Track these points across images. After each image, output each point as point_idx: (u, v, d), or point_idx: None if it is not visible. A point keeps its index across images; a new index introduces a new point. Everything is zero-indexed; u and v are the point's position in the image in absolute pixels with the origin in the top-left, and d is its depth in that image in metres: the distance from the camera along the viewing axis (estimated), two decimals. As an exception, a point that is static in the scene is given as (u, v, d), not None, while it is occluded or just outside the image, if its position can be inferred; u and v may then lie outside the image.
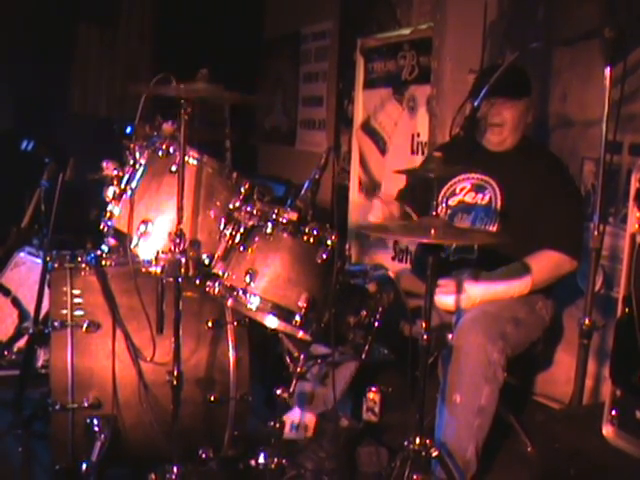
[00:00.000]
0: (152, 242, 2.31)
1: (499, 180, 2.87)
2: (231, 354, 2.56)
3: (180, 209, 2.17)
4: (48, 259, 2.64)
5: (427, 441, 2.18)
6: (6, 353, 3.56)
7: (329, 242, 2.22)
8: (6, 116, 5.34)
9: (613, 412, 2.19)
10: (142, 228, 2.32)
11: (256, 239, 2.25)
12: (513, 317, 2.67)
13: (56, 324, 2.43)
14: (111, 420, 2.41)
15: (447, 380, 2.56)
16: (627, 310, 2.17)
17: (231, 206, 2.34)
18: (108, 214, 2.42)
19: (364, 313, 2.37)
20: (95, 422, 2.39)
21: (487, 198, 2.87)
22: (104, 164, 2.48)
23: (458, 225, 2.82)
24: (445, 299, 2.68)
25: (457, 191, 2.96)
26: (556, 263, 2.75)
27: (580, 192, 3.09)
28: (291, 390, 2.39)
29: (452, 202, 2.95)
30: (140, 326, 2.44)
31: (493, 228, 2.84)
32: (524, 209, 2.80)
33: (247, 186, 2.38)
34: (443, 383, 2.59)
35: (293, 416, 2.88)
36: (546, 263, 2.74)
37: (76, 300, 2.49)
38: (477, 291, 2.69)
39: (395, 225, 2.73)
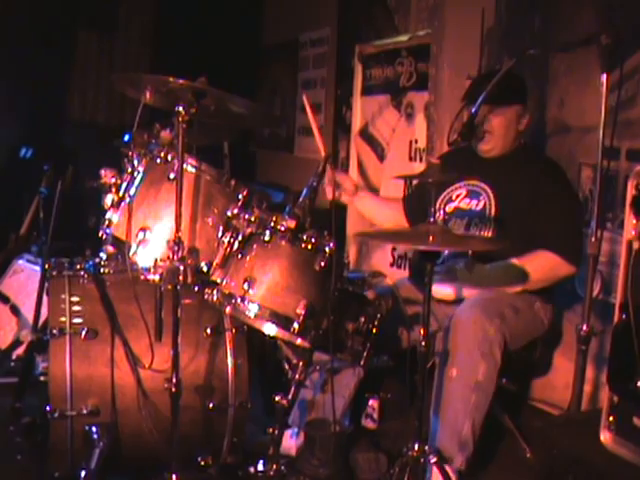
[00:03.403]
0: (150, 250, 2.31)
1: (493, 186, 2.88)
2: (230, 361, 2.56)
3: (178, 217, 2.17)
4: (47, 266, 2.64)
5: (426, 447, 2.19)
6: (5, 361, 3.56)
7: (327, 249, 2.22)
8: (5, 123, 5.35)
9: (611, 418, 2.19)
10: (140, 235, 2.31)
11: (254, 246, 2.25)
12: (512, 304, 2.71)
13: (55, 332, 2.42)
14: (110, 427, 2.41)
15: (442, 384, 2.56)
16: (624, 316, 2.16)
17: (229, 213, 2.34)
18: (106, 222, 2.42)
19: (363, 320, 2.36)
20: (94, 429, 2.39)
21: (481, 204, 2.88)
22: (102, 172, 2.47)
23: (452, 230, 2.82)
24: (443, 289, 2.71)
25: (453, 198, 2.97)
26: (552, 265, 2.74)
27: (578, 197, 3.09)
28: (290, 397, 2.39)
29: (448, 209, 2.95)
30: (139, 333, 2.44)
31: (488, 233, 2.84)
32: (519, 214, 2.79)
33: (245, 193, 2.38)
34: (436, 393, 2.59)
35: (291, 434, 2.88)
36: (541, 263, 2.74)
37: (75, 308, 2.49)
38: (472, 293, 2.73)
39: (393, 232, 2.73)
